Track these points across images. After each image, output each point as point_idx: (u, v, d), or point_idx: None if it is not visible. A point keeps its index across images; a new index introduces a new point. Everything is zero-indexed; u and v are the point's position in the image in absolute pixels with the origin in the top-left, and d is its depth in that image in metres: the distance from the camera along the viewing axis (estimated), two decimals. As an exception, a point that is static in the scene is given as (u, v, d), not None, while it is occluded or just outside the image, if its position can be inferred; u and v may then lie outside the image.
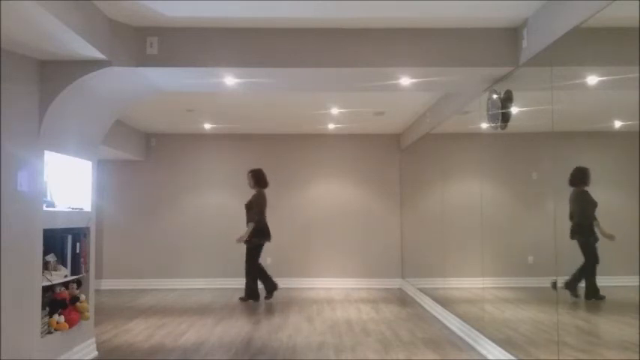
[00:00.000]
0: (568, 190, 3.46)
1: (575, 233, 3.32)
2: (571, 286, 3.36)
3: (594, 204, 3.15)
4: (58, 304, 3.81)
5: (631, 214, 2.95)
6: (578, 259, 3.38)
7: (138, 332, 5.18)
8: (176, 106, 6.58)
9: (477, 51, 3.92)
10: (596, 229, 3.19)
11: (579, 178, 3.24)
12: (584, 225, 3.25)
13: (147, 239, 8.35)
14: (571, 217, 3.36)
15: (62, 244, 3.92)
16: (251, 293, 6.95)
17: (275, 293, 7.08)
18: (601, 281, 3.30)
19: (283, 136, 8.47)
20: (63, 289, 3.90)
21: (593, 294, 3.28)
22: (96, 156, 4.46)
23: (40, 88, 3.59)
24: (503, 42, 3.91)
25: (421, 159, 7.11)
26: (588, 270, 3.26)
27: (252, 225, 6.86)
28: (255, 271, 6.99)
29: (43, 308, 3.65)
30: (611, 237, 3.12)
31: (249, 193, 7.49)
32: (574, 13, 3.03)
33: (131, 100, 4.65)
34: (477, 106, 4.65)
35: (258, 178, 7.14)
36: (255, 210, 6.93)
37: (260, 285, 7.05)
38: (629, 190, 2.95)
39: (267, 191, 7.39)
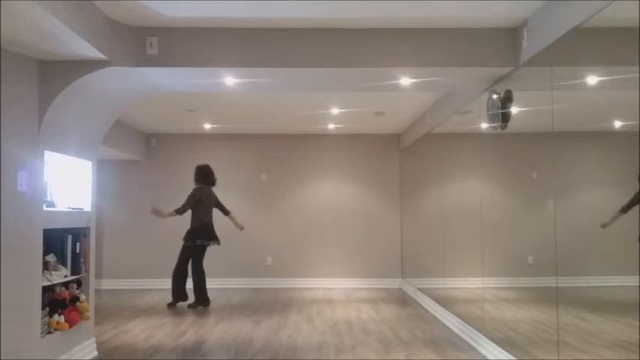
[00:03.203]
0: (567, 191, 3.46)
1: None
2: None
3: None
4: (58, 304, 3.81)
5: (631, 214, 2.95)
6: (579, 259, 3.38)
7: (138, 332, 5.18)
8: (176, 106, 6.58)
9: (476, 51, 3.92)
10: None
11: None
12: None
13: (147, 239, 8.34)
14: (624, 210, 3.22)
15: (62, 244, 3.92)
16: (200, 297, 6.55)
17: (176, 307, 6.51)
18: (600, 282, 3.30)
19: (283, 136, 8.47)
20: (63, 289, 3.90)
21: None
22: (96, 156, 4.47)
23: (40, 88, 3.59)
24: (503, 42, 3.91)
25: (421, 159, 7.11)
26: None
27: (172, 213, 6.46)
28: (197, 273, 6.59)
29: (43, 308, 3.65)
30: None
31: (249, 192, 7.50)
32: (574, 13, 3.03)
33: (131, 100, 4.65)
34: (477, 106, 4.65)
35: (199, 175, 6.68)
36: (186, 204, 6.51)
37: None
38: (628, 190, 2.96)
39: (268, 191, 7.38)
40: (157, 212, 6.53)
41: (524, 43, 3.73)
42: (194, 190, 6.64)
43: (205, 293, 6.61)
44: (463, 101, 5.14)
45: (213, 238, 6.66)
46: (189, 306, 6.56)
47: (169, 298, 6.71)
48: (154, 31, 3.85)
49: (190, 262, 6.67)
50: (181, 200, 8.35)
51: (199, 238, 6.60)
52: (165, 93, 4.75)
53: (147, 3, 3.44)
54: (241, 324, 5.56)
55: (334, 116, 7.08)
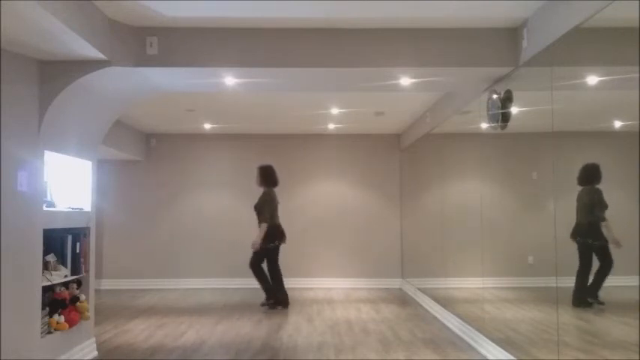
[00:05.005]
0: (567, 190, 3.46)
1: (577, 234, 3.22)
2: (590, 293, 3.24)
3: (605, 204, 3.06)
4: (58, 304, 3.81)
5: (631, 214, 2.95)
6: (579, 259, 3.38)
7: (138, 332, 5.18)
8: (176, 106, 6.58)
9: (476, 51, 3.92)
10: (604, 230, 3.08)
11: (591, 175, 3.14)
12: (592, 225, 3.13)
13: (147, 239, 8.34)
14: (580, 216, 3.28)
15: (62, 244, 3.92)
16: (280, 298, 6.47)
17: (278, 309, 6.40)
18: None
19: (283, 136, 8.47)
20: (63, 289, 3.90)
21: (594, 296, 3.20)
22: (96, 156, 4.47)
23: (40, 88, 3.59)
24: (503, 42, 3.91)
25: (421, 159, 7.11)
26: (583, 273, 3.18)
27: (265, 226, 6.33)
28: (275, 274, 6.48)
29: (43, 308, 3.65)
30: (617, 244, 3.01)
31: (249, 192, 7.46)
32: (574, 13, 3.03)
33: (131, 100, 4.65)
34: (477, 106, 4.66)
35: (266, 176, 6.59)
36: (267, 211, 6.42)
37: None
38: (628, 190, 2.96)
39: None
40: (257, 244, 6.38)
41: (524, 43, 3.73)
42: (267, 195, 6.53)
43: (285, 292, 6.53)
44: (463, 101, 5.14)
45: (284, 237, 6.57)
46: (267, 306, 6.42)
47: (169, 298, 6.70)
48: (154, 31, 3.85)
49: (265, 264, 6.52)
50: (182, 200, 8.40)
51: (276, 240, 6.48)
52: (165, 93, 4.74)
53: (147, 3, 3.44)
54: (241, 324, 5.56)
55: (334, 116, 7.08)
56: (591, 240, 3.13)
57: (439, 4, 3.47)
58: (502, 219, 4.60)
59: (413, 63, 3.96)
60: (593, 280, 3.21)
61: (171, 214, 8.42)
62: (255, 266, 6.46)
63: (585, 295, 3.29)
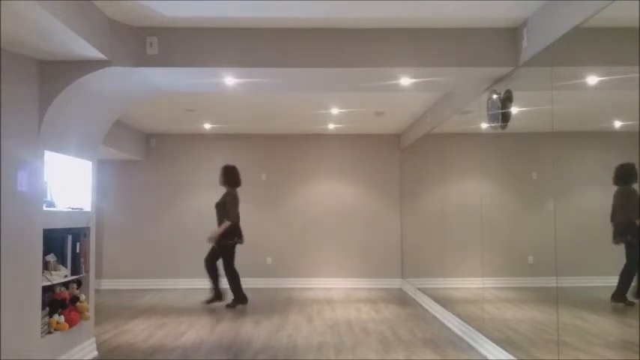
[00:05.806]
0: (567, 191, 3.46)
1: (622, 234, 3.16)
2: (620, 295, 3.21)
3: None
4: (58, 304, 3.81)
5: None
6: (579, 259, 3.38)
7: (138, 332, 5.18)
8: (176, 106, 6.58)
9: (476, 51, 3.92)
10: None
11: (626, 174, 3.10)
12: (631, 223, 3.10)
13: (147, 239, 8.34)
14: (612, 218, 3.24)
15: (62, 244, 3.92)
16: (239, 295, 6.59)
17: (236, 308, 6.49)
18: (600, 282, 3.30)
19: (283, 136, 8.47)
20: (63, 289, 3.90)
21: None
22: (96, 156, 4.47)
23: (40, 88, 3.59)
24: (503, 42, 3.90)
25: (421, 159, 7.11)
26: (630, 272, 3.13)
27: (227, 224, 6.44)
28: (231, 273, 6.56)
29: (43, 308, 3.65)
30: None
31: (249, 192, 7.50)
32: (574, 13, 3.03)
33: (131, 100, 4.65)
34: (477, 106, 4.65)
35: (230, 176, 6.70)
36: (234, 210, 6.52)
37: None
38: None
39: (268, 191, 7.38)
40: (213, 238, 6.56)
41: (524, 43, 3.73)
42: (232, 194, 6.61)
43: (242, 290, 6.61)
44: (463, 101, 5.14)
45: (242, 237, 6.67)
46: (228, 306, 6.51)
47: (169, 298, 6.69)
48: (154, 31, 3.85)
49: (221, 262, 6.64)
50: (182, 200, 8.39)
51: (235, 237, 6.57)
52: (165, 93, 4.74)
53: (147, 3, 3.44)
54: (241, 324, 5.56)
55: (334, 116, 7.08)
56: (630, 236, 3.09)
57: (439, 4, 3.47)
58: (502, 219, 4.60)
59: (413, 63, 3.95)
60: (619, 282, 3.15)
61: (171, 214, 8.42)
62: (209, 262, 6.57)
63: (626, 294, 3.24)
